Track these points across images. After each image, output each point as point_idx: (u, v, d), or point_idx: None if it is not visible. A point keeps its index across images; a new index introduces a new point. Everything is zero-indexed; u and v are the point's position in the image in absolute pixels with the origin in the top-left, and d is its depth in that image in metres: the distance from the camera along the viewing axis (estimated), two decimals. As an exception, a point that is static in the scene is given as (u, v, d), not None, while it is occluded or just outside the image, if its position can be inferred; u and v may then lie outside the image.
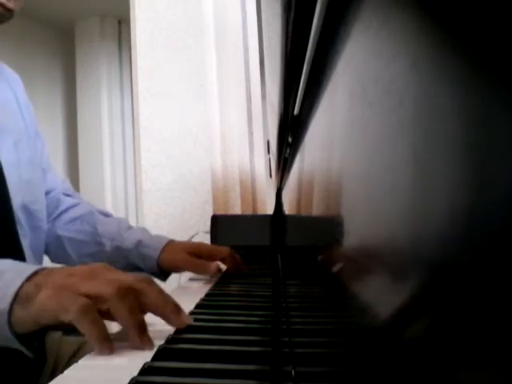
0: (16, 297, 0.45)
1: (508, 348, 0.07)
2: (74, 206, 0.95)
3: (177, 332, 0.48)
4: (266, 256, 1.05)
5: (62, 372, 0.39)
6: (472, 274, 0.08)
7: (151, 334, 0.46)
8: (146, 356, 0.42)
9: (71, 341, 0.82)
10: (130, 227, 0.89)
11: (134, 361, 0.41)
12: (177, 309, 0.49)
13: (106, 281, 0.45)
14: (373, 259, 0.15)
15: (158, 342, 0.45)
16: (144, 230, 0.89)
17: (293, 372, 0.34)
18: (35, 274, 0.47)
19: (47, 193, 0.91)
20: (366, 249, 0.16)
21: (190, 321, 0.49)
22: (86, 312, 0.43)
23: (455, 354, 0.09)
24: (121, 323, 0.45)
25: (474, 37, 0.08)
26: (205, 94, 1.49)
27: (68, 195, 0.97)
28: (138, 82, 1.45)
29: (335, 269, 0.22)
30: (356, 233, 0.18)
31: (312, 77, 0.30)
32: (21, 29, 2.80)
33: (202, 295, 0.68)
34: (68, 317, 0.43)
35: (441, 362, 0.09)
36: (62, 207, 0.93)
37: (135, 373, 0.38)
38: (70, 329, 0.44)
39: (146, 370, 0.38)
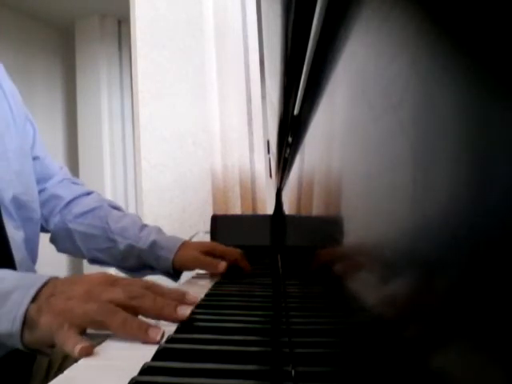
0: (24, 321, 0.50)
1: (508, 349, 0.07)
2: (82, 195, 0.93)
3: (177, 332, 0.48)
4: (266, 256, 1.04)
5: (57, 369, 0.39)
6: (472, 274, 0.08)
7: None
8: (146, 356, 0.42)
9: None
10: (144, 226, 0.89)
11: (134, 361, 0.41)
12: (171, 307, 0.51)
13: (100, 304, 0.49)
14: (373, 259, 0.15)
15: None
16: (159, 230, 0.89)
17: (293, 372, 0.34)
18: (40, 291, 0.51)
19: (45, 180, 0.90)
20: (366, 249, 0.16)
21: (187, 311, 0.51)
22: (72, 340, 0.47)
23: (455, 354, 0.09)
24: (120, 336, 0.48)
25: (474, 36, 0.08)
26: (205, 94, 1.49)
27: (75, 183, 0.96)
28: (138, 82, 1.45)
29: (335, 269, 0.22)
30: (356, 233, 0.18)
31: (312, 77, 0.30)
32: (21, 29, 2.80)
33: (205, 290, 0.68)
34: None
35: (440, 362, 0.09)
36: (69, 196, 0.91)
37: (135, 373, 0.38)
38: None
39: (145, 369, 0.38)
